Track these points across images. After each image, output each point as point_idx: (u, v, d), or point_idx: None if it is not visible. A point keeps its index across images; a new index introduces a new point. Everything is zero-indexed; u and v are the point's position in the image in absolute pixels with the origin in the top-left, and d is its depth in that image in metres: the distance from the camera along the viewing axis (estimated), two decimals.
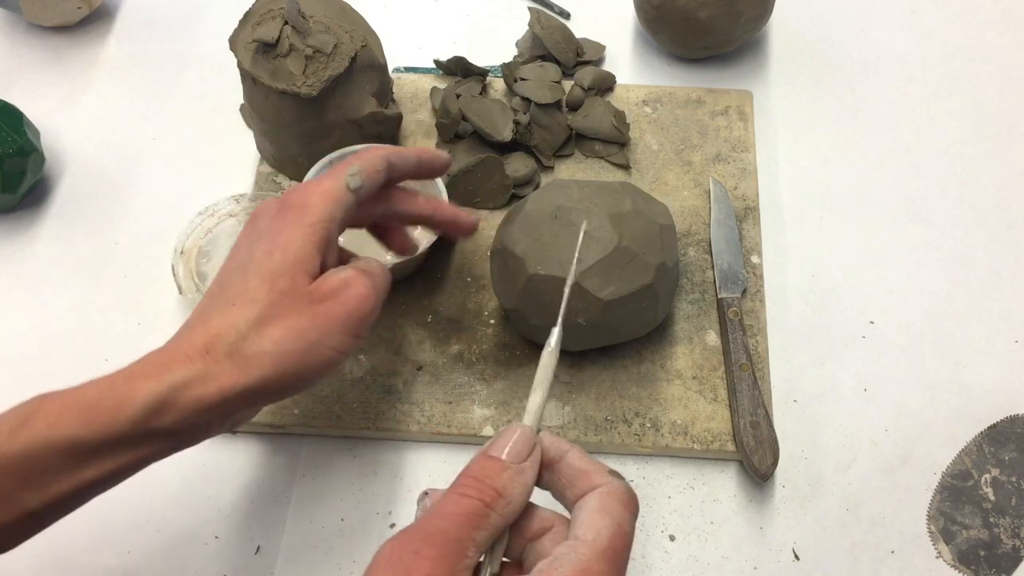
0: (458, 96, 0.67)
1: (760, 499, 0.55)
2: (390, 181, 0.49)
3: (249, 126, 0.68)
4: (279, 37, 0.58)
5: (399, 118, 0.66)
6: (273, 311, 0.41)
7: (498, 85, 0.70)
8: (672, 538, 0.54)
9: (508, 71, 0.69)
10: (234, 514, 0.54)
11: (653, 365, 0.58)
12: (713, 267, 0.62)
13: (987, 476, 0.56)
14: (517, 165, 0.64)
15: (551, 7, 0.77)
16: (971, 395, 0.58)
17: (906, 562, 0.53)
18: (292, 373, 0.41)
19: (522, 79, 0.68)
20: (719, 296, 0.60)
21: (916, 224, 0.66)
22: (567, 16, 0.77)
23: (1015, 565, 0.53)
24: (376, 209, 0.49)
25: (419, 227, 0.59)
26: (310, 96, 0.59)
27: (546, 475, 0.37)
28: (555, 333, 0.41)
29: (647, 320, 0.56)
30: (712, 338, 0.59)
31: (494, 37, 0.75)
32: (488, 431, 0.56)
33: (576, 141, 0.68)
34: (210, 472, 0.56)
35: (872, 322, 0.61)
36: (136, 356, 0.41)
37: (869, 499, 0.55)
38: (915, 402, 0.58)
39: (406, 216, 0.51)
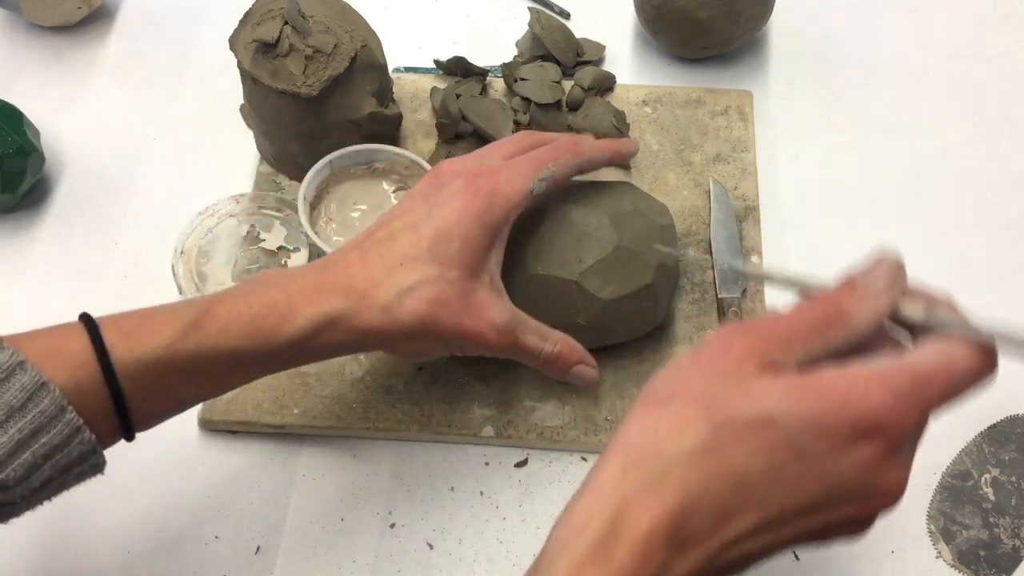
0: (458, 96, 0.67)
1: None
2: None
3: (249, 126, 0.68)
4: (279, 37, 0.58)
5: (399, 118, 0.66)
6: (437, 292, 0.45)
7: (498, 85, 0.70)
8: None
9: (508, 71, 0.69)
10: (234, 514, 0.54)
11: (653, 365, 0.58)
12: (713, 267, 0.62)
13: (987, 476, 0.56)
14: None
15: (551, 7, 0.77)
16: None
17: (906, 562, 0.53)
18: (426, 340, 0.46)
19: (522, 79, 0.68)
20: (719, 296, 0.60)
21: (916, 224, 0.66)
22: (567, 16, 0.77)
23: (1015, 565, 0.53)
24: None
25: None
26: (310, 96, 0.59)
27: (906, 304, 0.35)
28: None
29: (647, 320, 0.56)
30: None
31: (494, 37, 0.75)
32: (488, 431, 0.56)
33: None
34: (210, 472, 0.56)
35: None
36: None
37: None
38: None
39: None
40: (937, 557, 0.53)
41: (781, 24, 0.76)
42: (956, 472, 0.56)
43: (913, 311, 0.35)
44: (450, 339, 0.47)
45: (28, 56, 0.74)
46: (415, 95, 0.70)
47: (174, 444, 0.55)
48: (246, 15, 0.60)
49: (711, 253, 0.62)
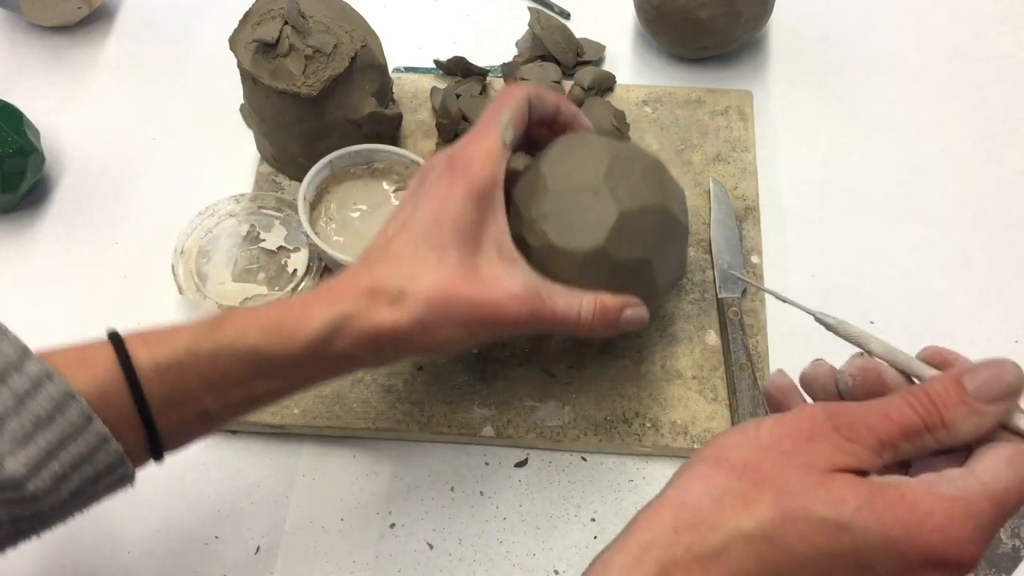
0: (458, 96, 0.67)
1: None
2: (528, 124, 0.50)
3: (249, 126, 0.68)
4: (279, 37, 0.58)
5: (399, 118, 0.66)
6: (438, 275, 0.44)
7: (498, 85, 0.70)
8: None
9: (508, 71, 0.69)
10: (234, 514, 0.54)
11: (653, 365, 0.58)
12: (713, 267, 0.62)
13: None
14: (517, 164, 0.64)
15: (551, 7, 0.77)
16: None
17: None
18: (445, 328, 0.44)
19: (522, 79, 0.68)
20: (719, 296, 0.60)
21: (916, 224, 0.66)
22: (567, 16, 0.77)
23: (1015, 565, 0.53)
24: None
25: None
26: (310, 96, 0.59)
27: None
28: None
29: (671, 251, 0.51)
30: (712, 338, 0.59)
31: (494, 37, 0.75)
32: (488, 431, 0.56)
33: None
34: (210, 472, 0.56)
35: (872, 322, 0.61)
36: None
37: None
38: None
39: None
40: None
41: (781, 24, 0.76)
42: None
43: (1016, 424, 0.33)
44: (469, 320, 0.44)
45: (28, 56, 0.74)
46: (415, 95, 0.70)
47: None
48: (246, 15, 0.60)
49: (711, 253, 0.62)
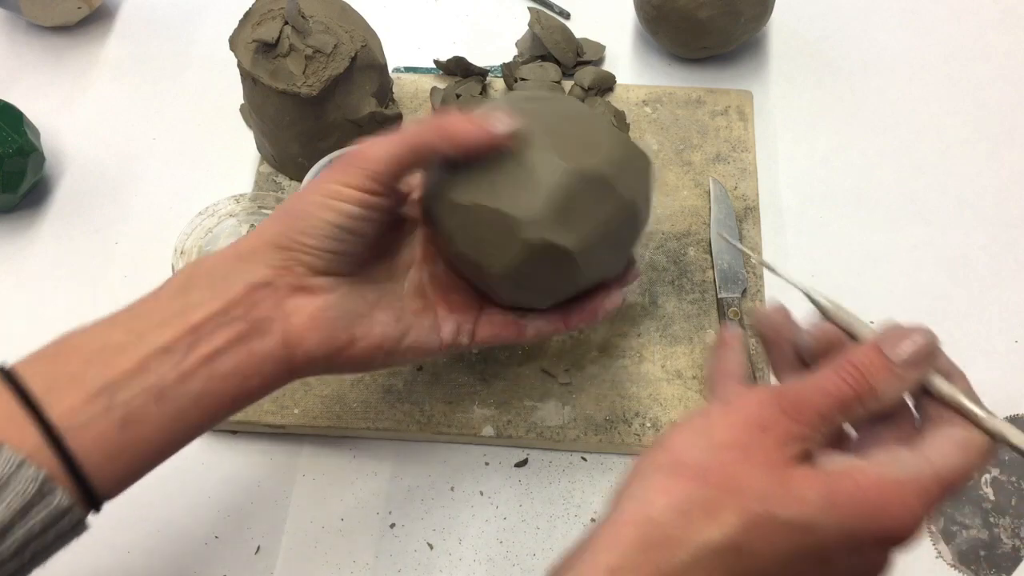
0: (458, 96, 0.67)
1: None
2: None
3: (249, 126, 0.68)
4: (279, 37, 0.58)
5: (399, 118, 0.66)
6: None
7: (498, 85, 0.70)
8: None
9: (508, 71, 0.69)
10: (234, 514, 0.54)
11: (653, 365, 0.58)
12: (713, 267, 0.62)
13: (987, 476, 0.56)
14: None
15: (551, 7, 0.77)
16: None
17: (906, 562, 0.53)
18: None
19: (522, 79, 0.68)
20: (719, 296, 0.60)
21: (916, 224, 0.66)
22: (567, 16, 0.77)
23: (1015, 565, 0.53)
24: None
25: None
26: (310, 96, 0.59)
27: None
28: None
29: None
30: (712, 338, 0.59)
31: (494, 37, 0.75)
32: (488, 431, 0.56)
33: None
34: (210, 472, 0.56)
35: (872, 322, 0.61)
36: None
37: None
38: None
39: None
40: (937, 557, 0.53)
41: (781, 24, 0.76)
42: None
43: (940, 390, 0.35)
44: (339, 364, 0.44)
45: (28, 56, 0.74)
46: (415, 95, 0.70)
47: None
48: (246, 15, 0.60)
49: (711, 253, 0.62)
